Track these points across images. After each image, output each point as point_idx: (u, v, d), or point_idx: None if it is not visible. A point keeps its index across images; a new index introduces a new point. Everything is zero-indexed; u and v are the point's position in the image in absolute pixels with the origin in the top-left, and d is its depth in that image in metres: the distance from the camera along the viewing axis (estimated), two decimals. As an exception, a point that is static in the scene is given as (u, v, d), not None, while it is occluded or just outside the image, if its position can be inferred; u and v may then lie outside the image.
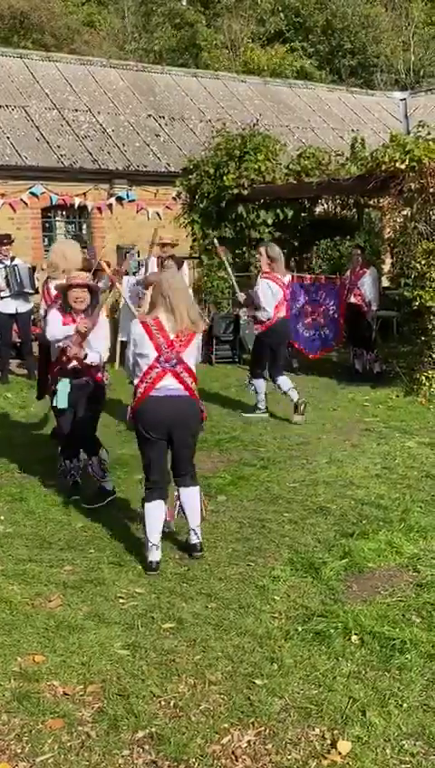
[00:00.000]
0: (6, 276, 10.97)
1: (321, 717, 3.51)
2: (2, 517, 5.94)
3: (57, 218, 17.55)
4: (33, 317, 11.64)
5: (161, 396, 5.07)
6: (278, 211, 13.06)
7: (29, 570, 5.02)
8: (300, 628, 4.24)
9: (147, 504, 5.09)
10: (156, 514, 5.08)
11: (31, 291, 11.31)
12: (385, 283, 14.17)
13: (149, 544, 5.02)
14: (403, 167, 9.89)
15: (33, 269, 11.50)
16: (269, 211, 13.03)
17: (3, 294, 11.00)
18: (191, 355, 5.18)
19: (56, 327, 6.19)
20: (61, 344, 6.21)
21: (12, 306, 11.11)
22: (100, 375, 6.36)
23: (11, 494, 6.45)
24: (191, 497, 5.24)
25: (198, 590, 4.74)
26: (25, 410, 9.43)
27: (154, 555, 5.02)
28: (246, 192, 12.77)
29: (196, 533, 5.24)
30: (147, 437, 5.10)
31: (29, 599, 4.62)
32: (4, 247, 11.17)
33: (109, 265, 8.80)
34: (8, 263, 11.08)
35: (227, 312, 13.42)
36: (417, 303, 9.81)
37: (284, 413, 9.12)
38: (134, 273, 13.13)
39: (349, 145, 14.05)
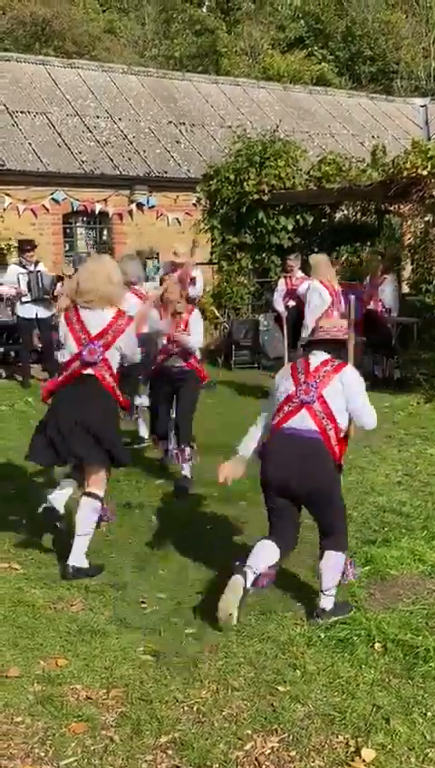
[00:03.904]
0: (29, 281, 11.04)
1: (344, 725, 3.49)
2: (24, 521, 5.95)
3: (78, 224, 17.65)
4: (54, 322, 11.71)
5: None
6: (298, 217, 13.10)
7: (51, 573, 5.03)
8: (323, 635, 4.22)
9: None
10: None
11: (48, 297, 11.38)
12: (405, 289, 14.11)
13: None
14: (425, 173, 9.89)
15: (59, 278, 11.56)
16: (289, 217, 13.06)
17: (24, 299, 11.07)
18: None
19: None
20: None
21: (32, 311, 11.18)
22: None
23: (33, 498, 6.46)
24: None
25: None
26: (46, 415, 9.45)
27: None
28: (266, 198, 12.78)
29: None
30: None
31: (51, 602, 4.63)
32: (28, 253, 11.25)
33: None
34: (32, 268, 11.15)
35: (247, 318, 13.44)
36: (438, 310, 9.78)
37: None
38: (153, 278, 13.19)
39: (369, 151, 14.04)
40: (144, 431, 8.11)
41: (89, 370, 5.11)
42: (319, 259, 10.09)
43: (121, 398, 5.31)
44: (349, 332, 4.89)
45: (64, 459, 5.10)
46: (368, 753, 3.29)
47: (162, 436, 7.11)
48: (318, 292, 9.64)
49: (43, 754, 3.33)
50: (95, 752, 3.34)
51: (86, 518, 5.01)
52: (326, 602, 4.45)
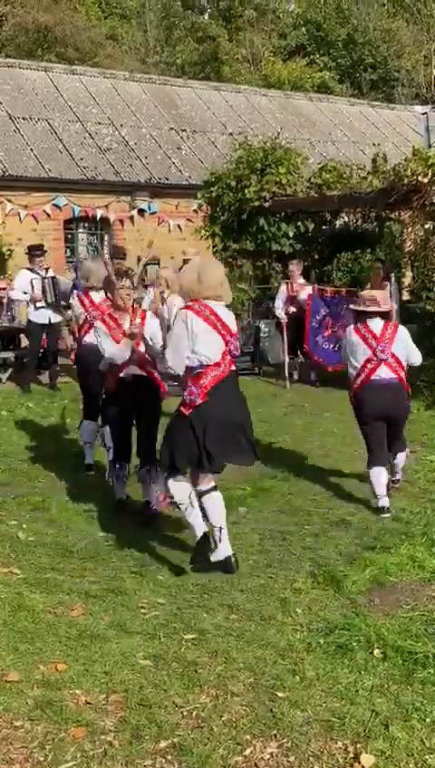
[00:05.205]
0: (43, 286, 11.04)
1: (344, 730, 3.49)
2: (24, 526, 5.96)
3: (79, 230, 17.70)
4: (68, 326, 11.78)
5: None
6: (299, 224, 13.12)
7: (51, 578, 5.03)
8: (322, 641, 4.23)
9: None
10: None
11: (66, 303, 11.38)
12: (405, 296, 14.15)
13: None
14: (426, 180, 9.93)
15: (74, 286, 11.60)
16: (290, 223, 13.08)
17: (39, 304, 11.08)
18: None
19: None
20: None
21: (45, 316, 11.19)
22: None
23: (33, 503, 6.48)
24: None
25: (219, 601, 4.73)
26: (47, 420, 9.48)
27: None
28: (267, 204, 12.81)
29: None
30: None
31: (51, 607, 4.63)
32: (38, 258, 11.25)
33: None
34: (44, 273, 11.16)
35: (248, 324, 13.45)
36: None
37: (303, 426, 9.13)
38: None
39: (370, 158, 14.08)
40: None
41: (233, 366, 5.13)
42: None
43: None
44: (389, 302, 6.86)
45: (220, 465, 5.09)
46: (367, 759, 3.29)
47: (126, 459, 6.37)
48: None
49: (42, 759, 3.34)
50: (94, 756, 3.34)
51: (223, 509, 5.10)
52: (400, 475, 6.86)
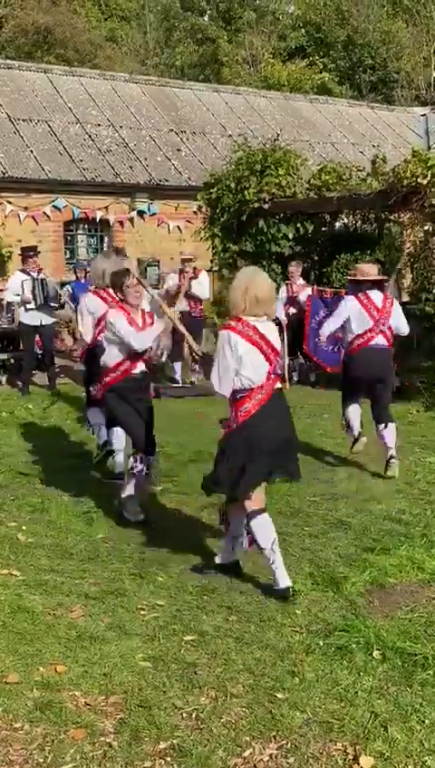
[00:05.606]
0: (33, 288, 11.06)
1: (343, 732, 3.50)
2: (24, 527, 5.96)
3: (79, 231, 17.71)
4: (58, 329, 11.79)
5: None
6: (299, 225, 13.10)
7: (50, 580, 5.04)
8: (321, 643, 4.23)
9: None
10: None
11: (56, 305, 11.42)
12: (405, 298, 14.14)
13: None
14: (425, 182, 9.93)
15: (61, 285, 11.63)
16: (290, 225, 13.06)
17: (29, 306, 11.10)
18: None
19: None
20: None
21: (37, 318, 11.21)
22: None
23: (32, 505, 6.48)
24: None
25: (218, 602, 4.74)
26: (46, 421, 9.49)
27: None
28: (266, 206, 12.81)
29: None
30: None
31: (51, 609, 4.64)
32: (31, 259, 11.28)
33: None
34: (35, 275, 11.17)
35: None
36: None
37: (302, 428, 9.14)
38: (155, 287, 13.21)
39: (369, 160, 14.08)
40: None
41: (278, 384, 4.92)
42: None
43: None
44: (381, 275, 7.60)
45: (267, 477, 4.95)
46: (366, 761, 3.30)
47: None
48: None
49: (41, 760, 3.34)
50: (94, 758, 3.35)
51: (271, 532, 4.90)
52: (394, 451, 7.24)
